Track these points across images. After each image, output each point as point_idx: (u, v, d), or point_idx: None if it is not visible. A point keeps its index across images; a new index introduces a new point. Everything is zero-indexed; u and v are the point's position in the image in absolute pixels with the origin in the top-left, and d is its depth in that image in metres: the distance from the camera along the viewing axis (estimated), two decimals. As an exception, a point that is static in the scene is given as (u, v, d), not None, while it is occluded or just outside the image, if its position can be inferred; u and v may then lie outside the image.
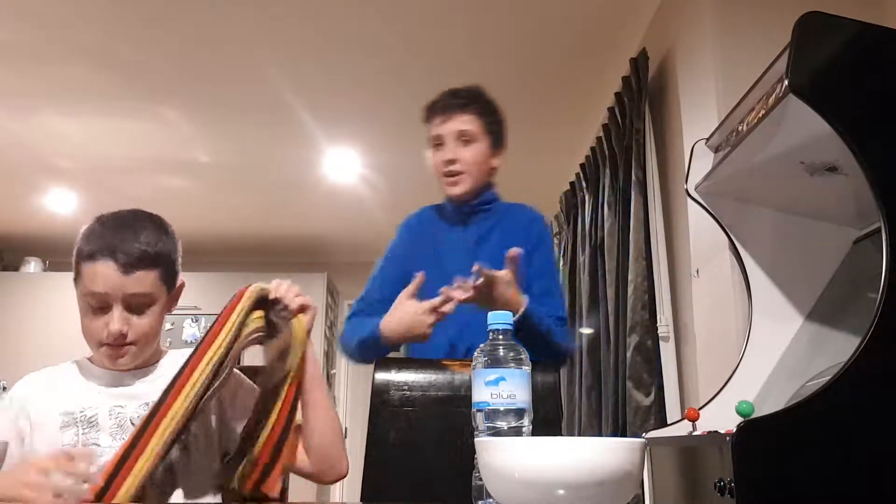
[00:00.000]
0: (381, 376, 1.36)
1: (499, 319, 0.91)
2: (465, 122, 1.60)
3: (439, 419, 1.31)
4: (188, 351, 1.12)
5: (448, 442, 1.25)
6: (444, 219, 1.68)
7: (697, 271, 2.04)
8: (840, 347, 1.08)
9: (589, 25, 2.73)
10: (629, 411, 2.36)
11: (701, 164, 1.32)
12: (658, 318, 2.34)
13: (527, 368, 0.88)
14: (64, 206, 4.61)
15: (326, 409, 1.20)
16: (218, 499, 1.18)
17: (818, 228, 1.25)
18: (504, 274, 1.37)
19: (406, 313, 1.42)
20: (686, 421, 1.13)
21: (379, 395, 1.34)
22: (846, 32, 0.93)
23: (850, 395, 0.78)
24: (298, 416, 1.17)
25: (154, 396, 1.22)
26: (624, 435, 2.41)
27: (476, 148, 1.61)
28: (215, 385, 1.09)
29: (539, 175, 4.03)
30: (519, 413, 0.86)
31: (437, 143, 1.62)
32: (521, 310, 1.37)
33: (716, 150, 1.31)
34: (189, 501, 1.16)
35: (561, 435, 1.30)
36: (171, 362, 1.27)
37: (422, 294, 1.45)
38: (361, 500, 1.30)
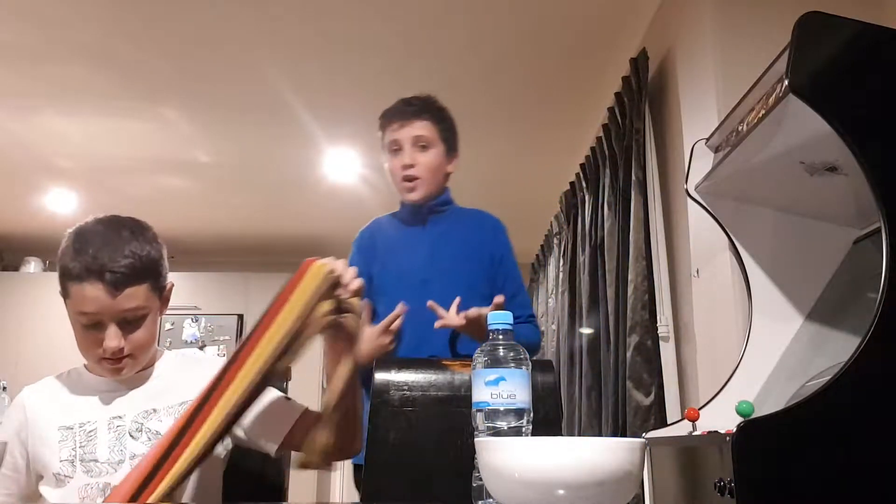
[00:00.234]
0: (381, 376, 1.36)
1: (499, 319, 0.91)
2: (421, 128, 1.68)
3: (439, 419, 1.30)
4: (186, 351, 1.11)
5: (448, 442, 1.25)
6: (400, 220, 1.76)
7: (697, 271, 2.04)
8: (840, 347, 1.08)
9: (589, 25, 2.73)
10: (629, 411, 2.36)
11: (701, 164, 1.32)
12: (658, 318, 2.34)
13: (527, 368, 0.88)
14: (64, 206, 4.61)
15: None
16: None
17: (818, 228, 1.25)
18: (486, 310, 1.45)
19: (365, 342, 1.52)
20: (686, 421, 1.13)
21: (379, 395, 1.34)
22: (846, 32, 0.93)
23: (850, 395, 0.78)
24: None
25: (151, 402, 1.22)
26: (624, 435, 2.41)
27: (433, 153, 1.69)
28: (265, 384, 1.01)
29: (539, 175, 4.03)
30: (519, 413, 0.86)
31: (395, 147, 1.70)
32: None
33: (716, 150, 1.31)
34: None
35: (561, 435, 1.30)
36: (167, 364, 1.27)
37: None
38: (361, 500, 1.30)
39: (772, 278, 1.27)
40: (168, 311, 1.27)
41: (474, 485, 0.87)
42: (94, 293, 1.10)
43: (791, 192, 1.23)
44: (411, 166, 1.67)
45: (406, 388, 1.35)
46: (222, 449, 1.23)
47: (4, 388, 4.46)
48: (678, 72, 2.29)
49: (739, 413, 0.99)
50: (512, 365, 0.87)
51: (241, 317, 5.21)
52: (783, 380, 1.17)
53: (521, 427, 0.86)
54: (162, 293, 1.21)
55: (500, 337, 0.90)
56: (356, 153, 3.90)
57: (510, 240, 1.75)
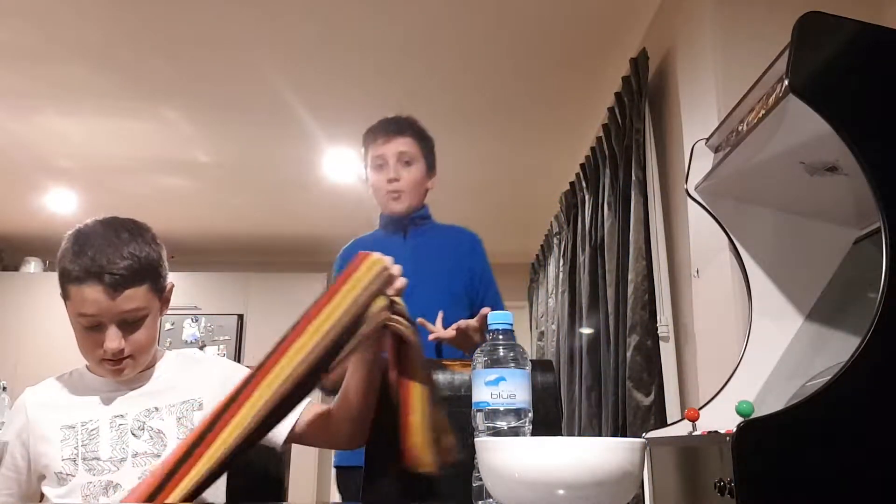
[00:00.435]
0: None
1: (499, 319, 0.91)
2: (405, 144, 1.77)
3: (439, 419, 1.30)
4: (186, 351, 1.11)
5: (448, 442, 1.25)
6: (381, 230, 1.85)
7: (697, 271, 2.04)
8: (840, 347, 1.08)
9: (589, 25, 2.73)
10: (629, 411, 2.36)
11: (701, 164, 1.32)
12: (658, 318, 2.34)
13: (527, 368, 0.88)
14: (64, 206, 4.61)
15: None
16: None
17: (818, 228, 1.25)
18: (473, 322, 1.53)
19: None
20: (686, 421, 1.13)
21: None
22: (846, 32, 0.93)
23: (851, 395, 0.78)
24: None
25: (153, 401, 1.22)
26: (624, 435, 2.41)
27: (416, 169, 1.78)
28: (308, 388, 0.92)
29: (539, 175, 4.03)
30: (519, 413, 0.86)
31: (379, 163, 1.78)
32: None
33: (716, 150, 1.31)
34: None
35: (561, 435, 1.30)
36: (168, 364, 1.27)
37: None
38: (361, 500, 1.30)
39: (772, 278, 1.27)
40: (168, 311, 1.27)
41: (474, 485, 0.87)
42: (93, 295, 1.10)
43: (791, 192, 1.22)
44: (396, 180, 1.75)
45: (406, 388, 1.34)
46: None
47: (4, 389, 4.46)
48: (678, 72, 2.29)
49: (739, 413, 0.99)
50: (512, 365, 0.87)
51: (241, 317, 5.21)
52: (783, 380, 1.17)
53: (521, 427, 0.86)
54: (162, 294, 1.21)
55: (500, 337, 0.90)
56: (356, 153, 3.88)
57: (486, 253, 1.83)
